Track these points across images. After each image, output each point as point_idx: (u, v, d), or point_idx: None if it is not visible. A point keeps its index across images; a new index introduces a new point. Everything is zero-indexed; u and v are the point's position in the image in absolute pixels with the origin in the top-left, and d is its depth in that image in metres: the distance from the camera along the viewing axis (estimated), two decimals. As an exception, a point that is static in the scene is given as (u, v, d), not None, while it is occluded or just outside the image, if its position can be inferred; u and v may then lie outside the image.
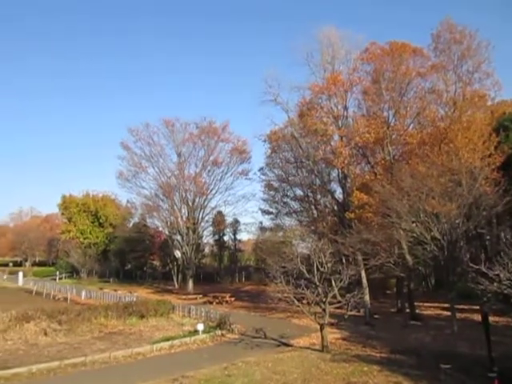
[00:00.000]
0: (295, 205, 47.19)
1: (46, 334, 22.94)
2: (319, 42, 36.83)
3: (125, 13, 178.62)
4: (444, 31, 30.53)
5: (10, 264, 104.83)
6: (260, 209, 52.16)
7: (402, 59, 31.35)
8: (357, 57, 34.98)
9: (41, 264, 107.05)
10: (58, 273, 70.86)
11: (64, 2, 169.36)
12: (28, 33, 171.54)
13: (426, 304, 34.55)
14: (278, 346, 21.22)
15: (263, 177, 49.71)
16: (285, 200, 47.70)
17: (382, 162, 32.79)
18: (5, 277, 68.91)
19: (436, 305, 34.02)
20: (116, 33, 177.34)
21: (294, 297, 20.72)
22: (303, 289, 20.29)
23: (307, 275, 20.97)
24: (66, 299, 39.95)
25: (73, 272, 72.33)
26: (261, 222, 58.05)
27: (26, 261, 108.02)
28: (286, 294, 20.72)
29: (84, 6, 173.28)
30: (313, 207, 44.08)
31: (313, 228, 40.91)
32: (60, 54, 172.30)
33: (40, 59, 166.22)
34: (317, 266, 20.96)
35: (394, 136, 32.46)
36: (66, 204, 76.78)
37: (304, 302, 21.35)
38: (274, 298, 21.97)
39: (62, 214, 79.72)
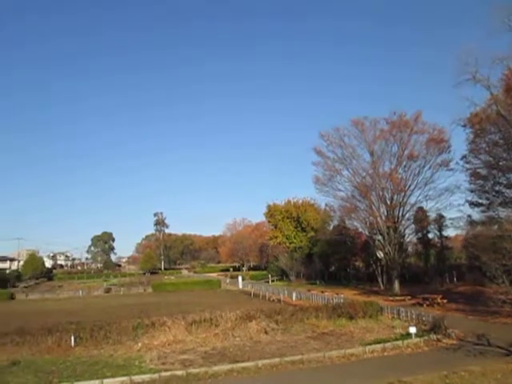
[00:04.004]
0: (511, 193, 41.29)
1: (266, 332, 25.33)
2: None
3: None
4: None
5: (231, 269, 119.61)
6: (467, 201, 47.32)
7: None
8: None
9: (255, 268, 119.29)
10: (269, 276, 77.69)
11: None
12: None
13: None
14: (507, 355, 18.76)
15: (467, 165, 45.15)
16: (497, 188, 42.25)
17: None
18: (227, 280, 78.94)
19: None
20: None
21: (523, 299, 18.15)
22: (533, 290, 17.62)
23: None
24: (279, 300, 43.40)
25: (282, 275, 78.12)
26: (469, 216, 52.41)
27: (243, 266, 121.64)
28: (510, 296, 18.29)
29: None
30: (535, 194, 37.83)
31: (538, 218, 35.00)
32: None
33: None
34: (549, 264, 17.92)
35: None
36: (271, 212, 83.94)
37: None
38: (495, 300, 19.61)
39: (269, 221, 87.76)
